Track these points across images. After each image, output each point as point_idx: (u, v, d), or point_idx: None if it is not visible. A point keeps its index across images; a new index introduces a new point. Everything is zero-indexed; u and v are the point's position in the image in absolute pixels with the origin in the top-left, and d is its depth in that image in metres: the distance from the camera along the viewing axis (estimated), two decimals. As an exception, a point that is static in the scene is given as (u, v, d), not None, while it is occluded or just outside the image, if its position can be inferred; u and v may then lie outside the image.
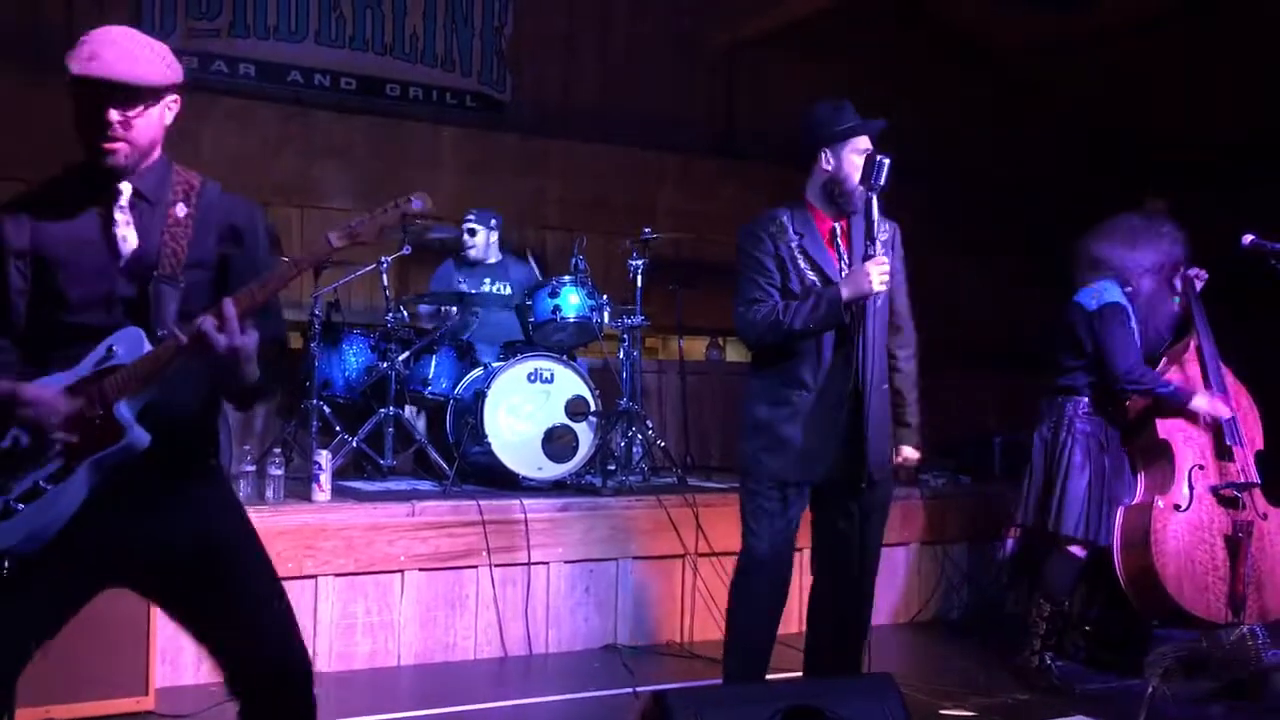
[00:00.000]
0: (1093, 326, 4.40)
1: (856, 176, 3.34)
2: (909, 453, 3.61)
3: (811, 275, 3.40)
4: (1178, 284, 4.62)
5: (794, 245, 3.41)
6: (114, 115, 2.15)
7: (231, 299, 2.09)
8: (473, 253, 6.10)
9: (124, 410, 2.13)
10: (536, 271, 6.22)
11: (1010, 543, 5.70)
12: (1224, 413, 4.51)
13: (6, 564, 2.10)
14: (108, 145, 2.16)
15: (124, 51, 2.15)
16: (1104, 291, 4.44)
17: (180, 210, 2.25)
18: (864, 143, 3.40)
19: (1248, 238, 4.16)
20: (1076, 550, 4.40)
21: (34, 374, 2.17)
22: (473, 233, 6.08)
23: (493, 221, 6.13)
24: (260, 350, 2.14)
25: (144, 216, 2.24)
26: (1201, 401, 4.49)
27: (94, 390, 2.13)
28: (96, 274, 2.20)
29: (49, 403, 2.11)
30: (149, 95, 2.18)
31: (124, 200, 2.23)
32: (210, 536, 2.28)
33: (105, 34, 2.18)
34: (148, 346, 2.16)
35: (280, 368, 2.34)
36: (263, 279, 2.16)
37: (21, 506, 2.10)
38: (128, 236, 2.22)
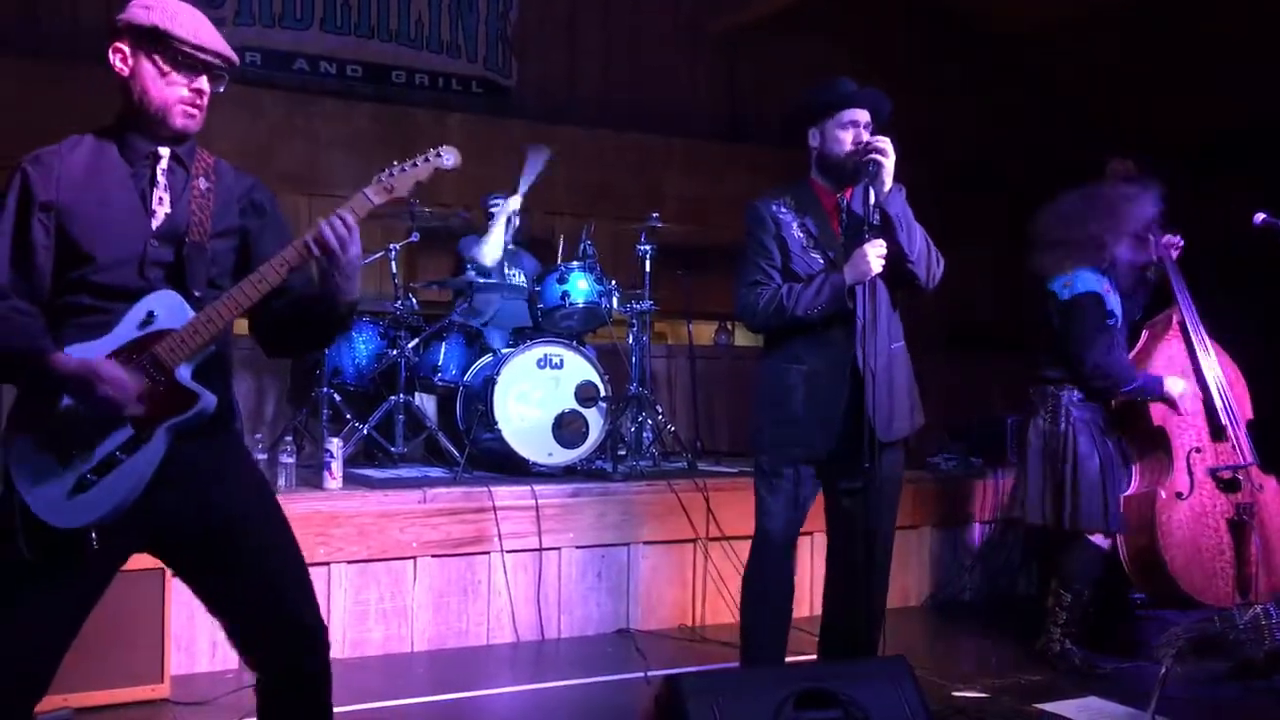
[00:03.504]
0: (1063, 316, 4.29)
1: (844, 149, 3.35)
2: None
3: (815, 253, 3.40)
4: (1153, 252, 4.43)
5: (795, 224, 3.42)
6: (206, 86, 2.29)
7: (343, 212, 2.21)
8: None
9: (186, 375, 2.17)
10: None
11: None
12: (1185, 400, 4.42)
13: (94, 536, 2.12)
14: (193, 110, 2.28)
15: (217, 34, 2.30)
16: (1077, 280, 4.28)
17: (202, 183, 2.32)
18: (851, 115, 3.38)
19: (1259, 216, 4.12)
20: (1099, 541, 4.34)
21: (63, 337, 2.17)
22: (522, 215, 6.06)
23: None
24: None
25: (176, 185, 2.30)
26: (1175, 385, 4.39)
27: (146, 357, 2.15)
28: (128, 234, 2.23)
29: (123, 380, 2.12)
30: (228, 77, 2.34)
31: (164, 164, 2.29)
32: (232, 500, 2.31)
33: (187, 7, 2.29)
34: (190, 311, 2.19)
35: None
36: (339, 212, 2.24)
37: (96, 479, 2.12)
38: (164, 199, 2.27)
